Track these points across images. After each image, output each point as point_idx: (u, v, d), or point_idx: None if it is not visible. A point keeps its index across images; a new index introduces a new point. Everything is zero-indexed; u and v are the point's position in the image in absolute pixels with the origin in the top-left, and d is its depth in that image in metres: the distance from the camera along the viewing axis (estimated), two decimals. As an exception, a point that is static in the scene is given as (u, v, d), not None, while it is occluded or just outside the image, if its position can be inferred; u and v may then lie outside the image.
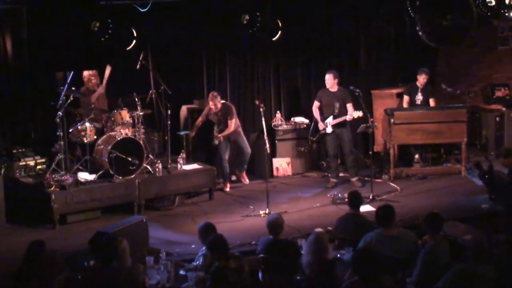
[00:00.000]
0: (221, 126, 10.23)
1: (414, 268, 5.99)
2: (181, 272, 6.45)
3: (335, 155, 10.32)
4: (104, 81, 9.80)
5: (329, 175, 10.50)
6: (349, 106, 10.07)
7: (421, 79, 10.88)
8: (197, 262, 6.41)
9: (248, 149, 10.45)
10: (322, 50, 11.84)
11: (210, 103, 10.11)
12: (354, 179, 10.30)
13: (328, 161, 10.48)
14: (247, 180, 10.56)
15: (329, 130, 10.14)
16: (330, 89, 10.15)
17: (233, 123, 10.17)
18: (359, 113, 10.00)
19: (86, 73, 9.71)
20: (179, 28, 10.49)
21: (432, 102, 10.92)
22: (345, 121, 10.05)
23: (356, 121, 10.16)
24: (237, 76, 11.29)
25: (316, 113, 10.28)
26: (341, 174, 10.54)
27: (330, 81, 10.11)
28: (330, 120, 10.11)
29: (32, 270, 5.46)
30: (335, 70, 10.37)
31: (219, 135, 10.15)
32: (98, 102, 9.75)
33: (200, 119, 10.36)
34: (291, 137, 11.25)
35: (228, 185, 10.36)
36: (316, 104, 10.33)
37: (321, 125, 10.18)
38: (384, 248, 6.01)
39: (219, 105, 10.11)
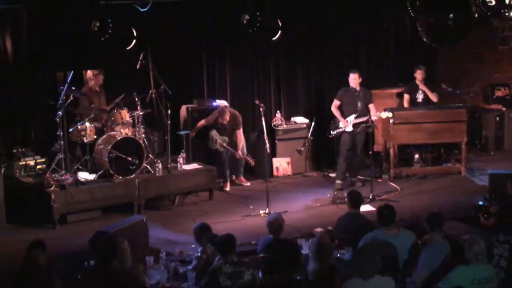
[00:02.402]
0: (226, 135, 10.29)
1: (414, 268, 5.99)
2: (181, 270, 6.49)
3: (347, 155, 10.19)
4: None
5: (335, 175, 10.37)
6: (372, 107, 10.02)
7: (418, 75, 10.88)
8: (192, 265, 6.41)
9: (245, 153, 10.45)
10: (322, 50, 11.84)
11: (220, 118, 10.17)
12: (353, 179, 10.26)
13: (341, 161, 10.17)
14: (248, 183, 10.56)
15: (349, 128, 10.03)
16: (351, 88, 10.08)
17: (242, 133, 10.25)
18: (388, 114, 9.97)
19: (89, 72, 9.71)
20: (179, 28, 10.49)
21: (434, 98, 10.86)
22: (366, 121, 9.91)
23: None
24: (237, 76, 11.29)
25: (336, 111, 10.18)
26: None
27: (356, 80, 10.04)
28: (352, 119, 10.02)
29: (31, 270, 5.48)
30: (335, 70, 10.34)
31: (245, 157, 10.20)
32: (99, 101, 9.75)
33: (203, 122, 10.35)
34: (291, 137, 11.25)
35: (228, 185, 10.36)
36: (336, 103, 10.23)
37: (344, 122, 10.04)
38: (384, 248, 6.00)
39: (228, 118, 10.19)
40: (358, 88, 10.05)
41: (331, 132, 10.24)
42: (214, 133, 10.33)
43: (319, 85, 11.83)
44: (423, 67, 10.93)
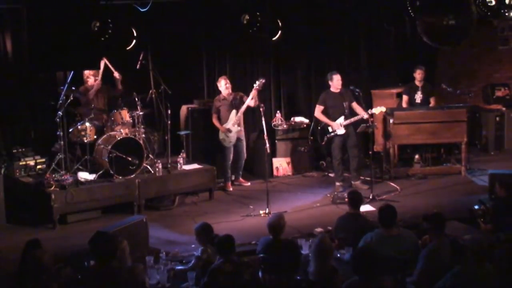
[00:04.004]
0: (233, 113, 10.12)
1: (414, 268, 5.99)
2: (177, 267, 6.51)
3: (342, 158, 10.15)
4: (100, 75, 9.73)
5: (333, 176, 10.34)
6: (355, 105, 9.99)
7: (418, 76, 10.88)
8: (190, 264, 6.42)
9: (245, 155, 10.44)
10: (322, 50, 11.84)
11: (223, 81, 10.08)
12: (357, 182, 10.16)
13: (337, 164, 10.09)
14: (248, 183, 10.56)
15: (341, 131, 9.92)
16: (334, 91, 10.01)
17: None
18: (382, 108, 9.91)
19: (86, 72, 9.72)
20: (179, 28, 10.50)
21: (432, 101, 10.94)
22: (358, 120, 9.85)
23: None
24: (237, 76, 11.29)
25: (323, 117, 10.04)
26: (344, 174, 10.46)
27: (340, 81, 9.96)
28: (341, 121, 9.93)
29: (27, 270, 5.47)
30: (335, 70, 10.30)
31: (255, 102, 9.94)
32: (97, 99, 9.74)
33: (216, 122, 10.24)
34: (291, 137, 11.25)
35: (230, 185, 10.34)
36: (320, 108, 10.08)
37: (336, 126, 9.91)
38: (384, 248, 6.00)
39: (229, 84, 10.12)
40: (339, 90, 9.98)
41: (324, 138, 10.12)
42: (224, 128, 10.19)
43: (319, 85, 11.80)
44: (422, 67, 10.93)
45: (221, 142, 10.23)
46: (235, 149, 10.36)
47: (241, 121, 10.25)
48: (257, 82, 9.91)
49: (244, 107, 10.06)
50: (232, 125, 10.16)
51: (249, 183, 10.54)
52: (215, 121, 10.26)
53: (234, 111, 10.15)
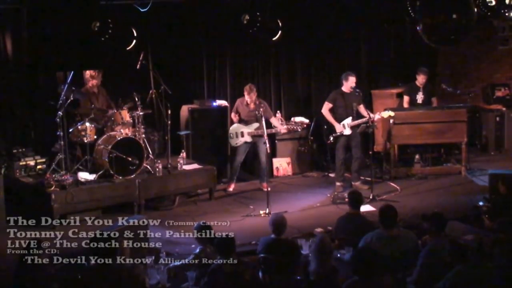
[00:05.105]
0: (255, 125, 9.99)
1: (414, 268, 5.99)
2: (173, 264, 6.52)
3: (345, 158, 10.16)
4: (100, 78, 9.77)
5: (334, 176, 10.35)
6: (362, 107, 9.97)
7: (420, 79, 10.88)
8: (187, 260, 6.42)
9: (263, 160, 9.92)
10: (322, 50, 11.84)
11: (247, 96, 9.99)
12: (357, 182, 10.14)
13: (339, 164, 10.09)
14: (268, 188, 9.58)
15: (347, 132, 9.91)
16: (345, 91, 9.97)
17: (277, 121, 9.92)
18: (390, 113, 9.92)
19: (87, 73, 9.71)
20: (179, 28, 10.50)
21: (434, 101, 10.93)
22: (364, 122, 9.80)
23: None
24: (237, 76, 11.30)
25: (329, 115, 10.02)
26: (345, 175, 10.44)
27: (354, 84, 9.89)
28: (348, 122, 9.92)
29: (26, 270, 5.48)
30: (335, 70, 10.31)
31: (288, 127, 9.91)
32: (97, 102, 9.74)
33: (233, 114, 10.23)
34: (291, 137, 11.24)
35: (232, 185, 10.29)
36: (328, 106, 10.04)
37: (340, 127, 9.91)
38: (384, 248, 6.01)
39: (254, 97, 9.99)
40: (350, 91, 9.93)
41: (330, 137, 10.08)
42: (236, 126, 10.10)
43: (319, 85, 11.83)
44: (426, 70, 10.87)
45: (228, 137, 10.19)
46: (253, 150, 10.28)
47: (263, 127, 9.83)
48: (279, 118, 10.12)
49: (269, 131, 9.74)
50: (248, 134, 10.04)
51: (269, 189, 9.53)
52: (233, 116, 10.23)
53: (256, 124, 9.97)
